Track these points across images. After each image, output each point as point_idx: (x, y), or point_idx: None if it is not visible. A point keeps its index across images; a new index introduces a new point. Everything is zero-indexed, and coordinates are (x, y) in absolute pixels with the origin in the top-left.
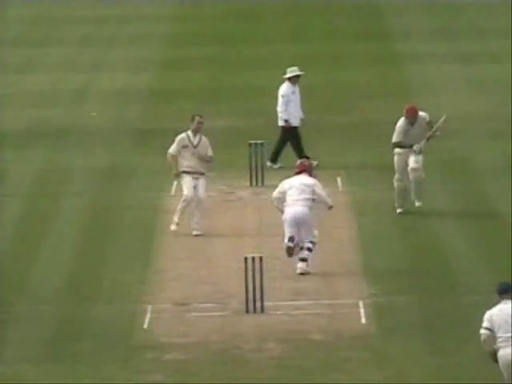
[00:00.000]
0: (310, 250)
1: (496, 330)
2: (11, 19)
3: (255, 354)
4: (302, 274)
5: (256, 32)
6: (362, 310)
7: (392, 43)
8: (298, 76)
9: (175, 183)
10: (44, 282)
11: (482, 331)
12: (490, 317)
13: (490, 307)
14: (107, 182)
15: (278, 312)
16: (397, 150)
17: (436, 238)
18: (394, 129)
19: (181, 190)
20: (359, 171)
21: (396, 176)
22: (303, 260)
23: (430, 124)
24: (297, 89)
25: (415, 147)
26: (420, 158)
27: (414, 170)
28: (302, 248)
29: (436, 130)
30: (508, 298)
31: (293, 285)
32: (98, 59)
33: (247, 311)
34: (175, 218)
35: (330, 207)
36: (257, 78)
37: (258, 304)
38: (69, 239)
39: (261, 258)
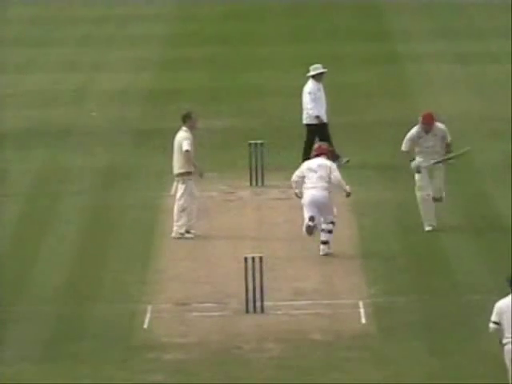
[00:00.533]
0: (330, 232)
1: (502, 323)
2: (11, 19)
3: (255, 354)
4: (325, 255)
5: (256, 32)
6: (361, 310)
7: (392, 43)
8: (322, 73)
9: (175, 183)
10: (44, 282)
11: (491, 325)
12: (499, 310)
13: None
14: (107, 182)
15: (278, 312)
16: (417, 160)
17: (436, 237)
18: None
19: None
20: (359, 171)
21: (421, 193)
22: (325, 243)
23: (448, 146)
24: (321, 86)
25: (431, 161)
26: (442, 182)
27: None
28: (322, 230)
29: (452, 158)
30: None
31: (293, 285)
32: (98, 59)
33: (247, 311)
34: (182, 230)
35: (348, 194)
36: (257, 78)
37: (258, 304)
38: (69, 239)
39: (261, 258)
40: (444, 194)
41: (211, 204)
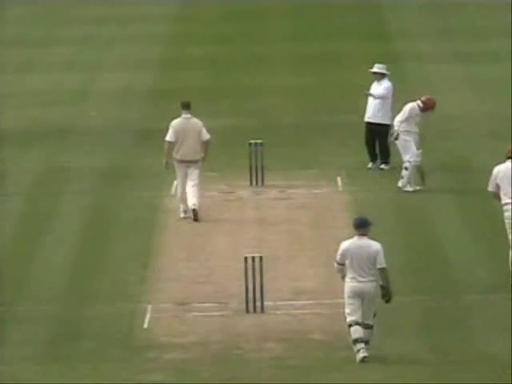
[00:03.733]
0: (406, 168)
1: (347, 264)
2: (11, 19)
3: (255, 354)
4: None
5: (256, 32)
6: None
7: (392, 43)
8: (379, 74)
9: (175, 183)
10: (44, 281)
11: (335, 265)
12: (345, 252)
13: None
14: (107, 181)
15: (278, 312)
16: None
17: (436, 237)
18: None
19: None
20: (359, 171)
21: None
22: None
23: None
24: (379, 86)
25: None
26: None
27: None
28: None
29: None
30: (363, 234)
31: (293, 285)
32: (98, 59)
33: (247, 311)
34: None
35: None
36: (257, 78)
37: (258, 304)
38: (69, 239)
39: (261, 258)
40: None
41: (211, 204)
